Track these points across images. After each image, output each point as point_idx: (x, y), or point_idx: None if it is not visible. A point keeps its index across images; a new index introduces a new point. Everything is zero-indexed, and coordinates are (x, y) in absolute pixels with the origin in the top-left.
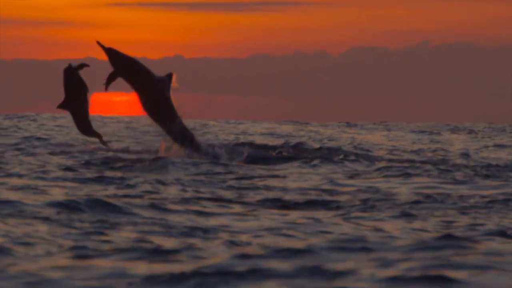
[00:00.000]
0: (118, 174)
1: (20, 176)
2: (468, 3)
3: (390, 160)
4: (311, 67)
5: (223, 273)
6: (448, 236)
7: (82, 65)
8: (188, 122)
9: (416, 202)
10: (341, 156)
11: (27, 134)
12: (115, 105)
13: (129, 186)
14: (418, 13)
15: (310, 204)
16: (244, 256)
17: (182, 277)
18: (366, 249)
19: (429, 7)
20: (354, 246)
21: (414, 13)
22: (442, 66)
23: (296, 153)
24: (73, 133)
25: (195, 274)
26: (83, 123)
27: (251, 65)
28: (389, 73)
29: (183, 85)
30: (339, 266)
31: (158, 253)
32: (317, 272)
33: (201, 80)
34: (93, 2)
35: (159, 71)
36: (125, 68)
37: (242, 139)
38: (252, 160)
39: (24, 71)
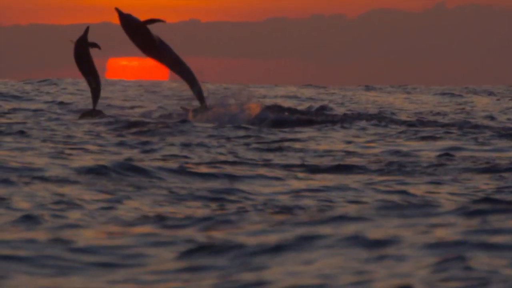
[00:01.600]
0: (143, 138)
1: (45, 141)
2: None
3: (413, 124)
4: (328, 30)
5: (262, 244)
6: (487, 200)
7: (93, 44)
8: (209, 86)
9: (444, 165)
10: (367, 120)
11: (49, 98)
12: (131, 69)
13: (155, 150)
14: None
15: (338, 168)
16: (282, 223)
17: (220, 249)
18: (404, 215)
19: None
20: (391, 212)
21: None
22: (460, 28)
23: (321, 117)
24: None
25: (235, 246)
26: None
27: (267, 28)
28: (407, 36)
29: (198, 50)
30: (380, 234)
31: (193, 221)
32: (358, 241)
33: (217, 44)
34: None
35: (175, 36)
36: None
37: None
38: (276, 123)
39: (40, 36)
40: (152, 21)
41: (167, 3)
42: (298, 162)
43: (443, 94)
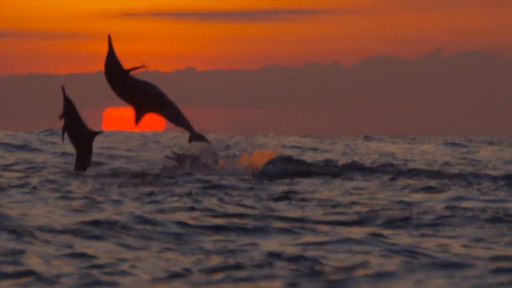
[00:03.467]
0: (148, 189)
1: (51, 192)
2: (482, 10)
3: (418, 174)
4: (324, 78)
5: None
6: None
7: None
8: (211, 136)
9: (453, 216)
10: (371, 170)
11: (53, 149)
12: (129, 120)
13: (159, 202)
14: (431, 22)
15: (344, 220)
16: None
17: None
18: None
19: (442, 15)
20: (402, 269)
21: (427, 21)
22: (457, 75)
23: (325, 167)
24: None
25: None
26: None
27: (263, 76)
28: (404, 83)
29: (195, 99)
30: None
31: (207, 280)
32: None
33: (214, 93)
34: (106, 12)
35: (172, 85)
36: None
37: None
38: (281, 174)
39: (38, 85)
40: (134, 68)
41: (164, 52)
42: (304, 213)
43: (446, 143)
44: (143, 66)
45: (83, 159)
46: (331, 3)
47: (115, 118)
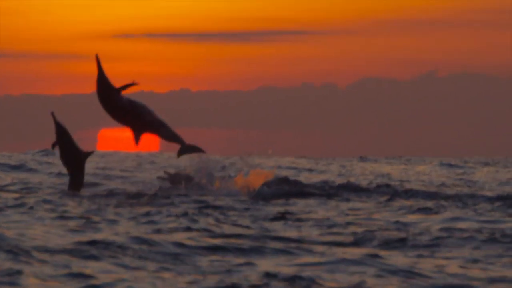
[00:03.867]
0: (144, 209)
1: (47, 213)
2: (476, 32)
3: (414, 195)
4: (320, 99)
5: None
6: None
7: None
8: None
9: (449, 237)
10: (367, 191)
11: (49, 169)
12: (123, 140)
13: (155, 222)
14: (426, 43)
15: (340, 240)
16: None
17: None
18: None
19: (436, 36)
20: None
21: (422, 42)
22: (452, 97)
23: (321, 188)
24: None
25: None
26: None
27: (258, 97)
28: (398, 104)
29: (189, 120)
30: None
31: None
32: None
33: (207, 114)
34: (100, 33)
35: (166, 106)
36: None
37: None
38: (277, 195)
39: (32, 106)
40: (125, 86)
41: (158, 72)
42: (300, 233)
43: (441, 164)
44: (133, 84)
45: (76, 180)
46: (325, 24)
47: (109, 139)
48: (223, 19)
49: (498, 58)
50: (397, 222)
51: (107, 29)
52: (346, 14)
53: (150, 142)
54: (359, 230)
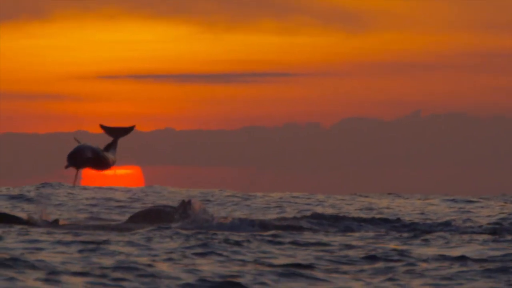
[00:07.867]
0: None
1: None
2: (460, 73)
3: (408, 225)
4: (304, 138)
5: None
6: None
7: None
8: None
9: (442, 267)
10: (364, 223)
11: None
12: (107, 177)
13: (143, 255)
14: (410, 83)
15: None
16: None
17: None
18: None
19: (421, 77)
20: None
21: (405, 83)
22: (436, 136)
23: (310, 222)
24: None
25: None
26: None
27: (241, 137)
28: (382, 144)
29: (174, 158)
30: None
31: None
32: None
33: (192, 153)
34: (83, 74)
35: (150, 144)
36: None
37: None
38: (263, 228)
39: (14, 145)
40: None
41: (141, 112)
42: (295, 260)
43: (443, 201)
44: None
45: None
46: (306, 67)
47: (93, 175)
48: (206, 61)
49: (481, 98)
50: (395, 250)
51: (90, 71)
52: (329, 57)
53: (135, 178)
54: (358, 260)
